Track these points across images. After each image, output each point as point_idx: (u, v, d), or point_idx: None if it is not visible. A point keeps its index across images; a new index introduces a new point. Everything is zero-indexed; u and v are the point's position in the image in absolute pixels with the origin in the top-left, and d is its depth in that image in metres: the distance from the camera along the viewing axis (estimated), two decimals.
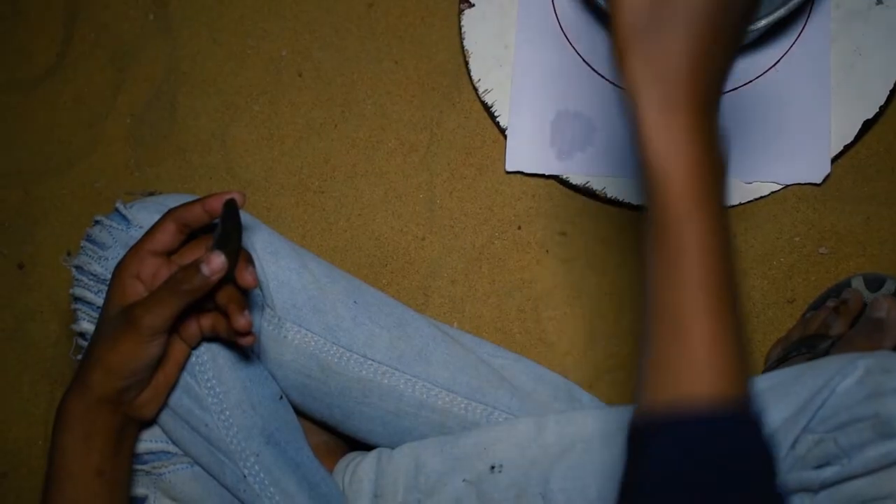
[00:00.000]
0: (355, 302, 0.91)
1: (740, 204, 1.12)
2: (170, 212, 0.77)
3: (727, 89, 1.07)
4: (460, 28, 1.22)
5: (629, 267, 1.14)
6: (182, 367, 0.81)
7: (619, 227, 1.16)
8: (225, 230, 0.74)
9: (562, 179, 1.16)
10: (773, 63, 1.13)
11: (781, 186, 1.12)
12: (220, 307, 0.77)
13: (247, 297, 0.80)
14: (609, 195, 1.14)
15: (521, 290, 1.16)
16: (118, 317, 0.74)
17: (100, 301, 0.83)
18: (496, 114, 1.19)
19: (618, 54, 0.55)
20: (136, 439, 0.80)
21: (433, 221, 1.20)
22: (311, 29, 1.28)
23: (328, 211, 1.23)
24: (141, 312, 0.73)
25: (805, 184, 1.11)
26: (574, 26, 1.19)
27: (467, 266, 1.18)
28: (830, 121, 1.11)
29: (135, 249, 0.77)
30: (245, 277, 0.75)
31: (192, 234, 0.80)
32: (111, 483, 0.76)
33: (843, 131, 1.11)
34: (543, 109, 1.17)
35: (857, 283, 1.05)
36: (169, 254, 0.78)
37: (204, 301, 0.77)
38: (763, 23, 1.03)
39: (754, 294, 1.11)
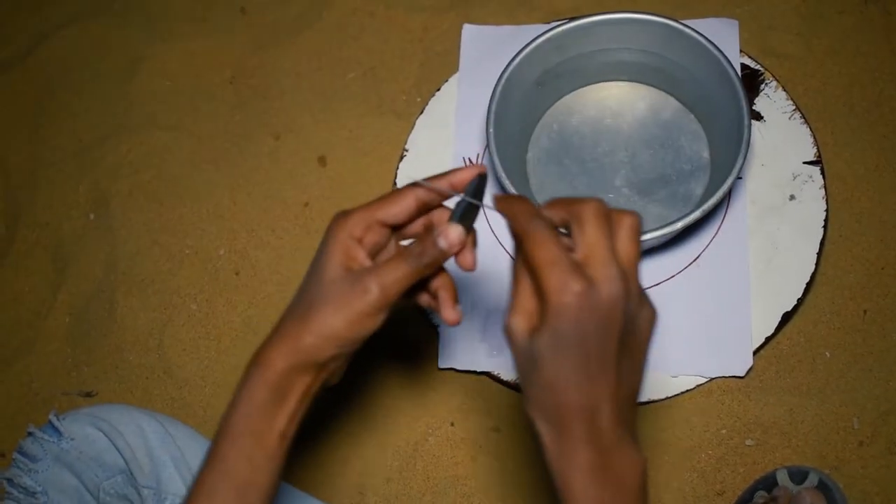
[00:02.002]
0: None
1: (667, 398, 1.13)
2: (412, 185, 0.72)
3: (648, 286, 1.13)
4: None
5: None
6: None
7: None
8: (467, 204, 0.71)
9: (493, 376, 1.17)
10: (693, 258, 1.16)
11: (706, 379, 1.13)
12: (430, 291, 0.76)
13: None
14: None
15: (456, 488, 1.14)
16: (344, 282, 0.70)
17: None
18: (429, 311, 1.22)
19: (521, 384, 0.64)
20: (309, 407, 0.76)
21: (367, 419, 1.19)
22: (248, 228, 1.30)
23: None
24: (376, 282, 0.69)
25: (729, 377, 1.13)
26: (504, 229, 1.21)
27: (402, 463, 1.16)
28: (751, 314, 1.13)
29: (363, 213, 0.72)
30: (466, 258, 0.72)
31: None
32: (285, 448, 0.73)
33: (763, 324, 1.13)
34: (475, 308, 1.19)
35: (782, 476, 1.07)
36: (395, 228, 0.75)
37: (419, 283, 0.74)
38: (680, 224, 1.05)
39: (684, 487, 1.11)
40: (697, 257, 1.17)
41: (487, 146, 1.14)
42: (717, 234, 1.17)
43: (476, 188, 0.71)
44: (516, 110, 1.18)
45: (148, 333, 1.27)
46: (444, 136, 1.28)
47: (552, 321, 0.60)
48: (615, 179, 1.20)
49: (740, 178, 1.16)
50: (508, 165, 1.14)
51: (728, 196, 1.15)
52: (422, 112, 1.31)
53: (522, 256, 0.63)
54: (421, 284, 0.75)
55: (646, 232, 1.06)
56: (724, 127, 1.14)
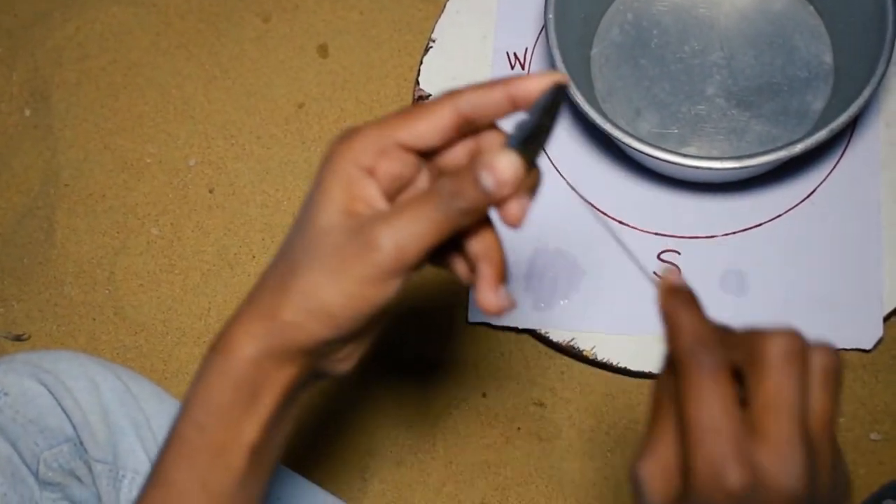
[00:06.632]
0: (278, 498, 0.88)
1: None
2: (451, 94, 0.59)
3: (746, 226, 1.08)
4: None
5: (624, 450, 1.09)
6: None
7: (612, 398, 1.10)
8: (534, 126, 0.57)
9: (539, 335, 1.10)
10: (806, 194, 1.09)
11: None
12: (469, 256, 0.62)
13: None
14: (599, 357, 1.08)
15: (486, 477, 1.09)
16: (343, 232, 0.57)
17: None
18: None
19: None
20: (298, 404, 0.65)
21: (374, 384, 1.15)
22: (226, 134, 1.24)
23: None
24: (387, 237, 0.56)
25: (851, 349, 1.07)
26: (557, 143, 1.13)
27: (417, 443, 1.11)
28: (883, 268, 1.07)
29: (375, 130, 0.59)
30: (511, 210, 0.57)
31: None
32: (260, 466, 0.63)
33: None
34: (517, 246, 1.12)
35: None
36: (425, 155, 0.61)
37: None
38: (799, 147, 0.97)
39: None
40: (812, 192, 1.09)
41: (546, 37, 1.05)
42: (838, 162, 1.09)
43: (548, 105, 0.57)
44: None
45: (96, 263, 1.21)
46: (483, 24, 1.19)
47: None
48: (707, 87, 1.11)
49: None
50: (568, 65, 1.05)
51: (857, 115, 1.05)
52: None
53: (674, 390, 0.53)
54: (454, 244, 0.61)
55: (750, 156, 0.98)
56: (854, 22, 1.06)
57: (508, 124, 0.59)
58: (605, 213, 1.09)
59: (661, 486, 0.52)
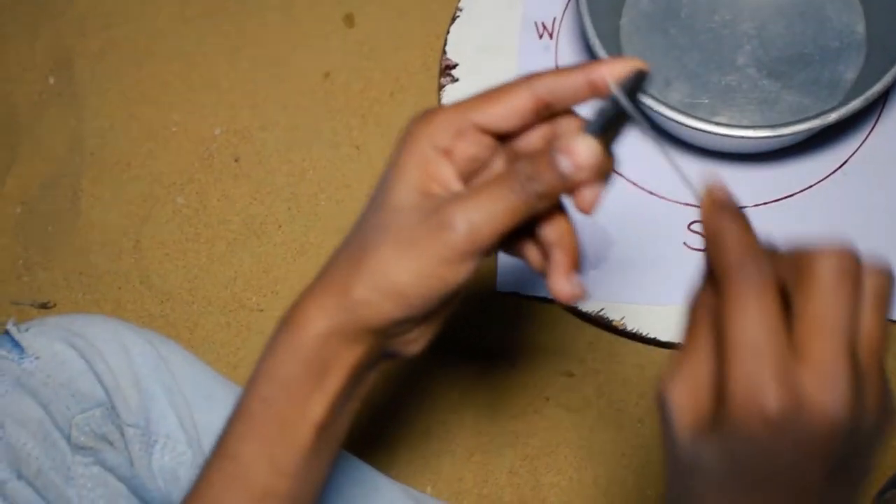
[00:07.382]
0: None
1: None
2: (529, 78, 0.58)
3: (776, 197, 1.07)
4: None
5: (654, 421, 1.06)
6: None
7: (641, 369, 1.07)
8: (612, 113, 0.56)
9: (568, 305, 1.08)
10: (839, 164, 1.06)
11: None
12: (542, 242, 0.61)
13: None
14: (629, 327, 1.06)
15: (515, 447, 1.08)
16: (416, 211, 0.57)
17: None
18: None
19: None
20: (368, 385, 0.65)
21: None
22: (251, 103, 1.24)
23: (268, 335, 1.10)
24: (461, 217, 0.56)
25: None
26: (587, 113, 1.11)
27: (445, 415, 1.10)
28: None
29: (452, 112, 0.58)
30: (585, 197, 0.57)
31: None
32: (326, 444, 0.63)
33: None
34: None
35: None
36: (501, 139, 0.60)
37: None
38: (833, 116, 0.95)
39: None
40: (845, 162, 1.06)
41: (576, 6, 1.03)
42: (870, 133, 1.07)
43: (627, 92, 0.56)
44: None
45: (121, 232, 1.21)
46: None
47: (728, 434, 0.48)
48: (737, 57, 1.09)
49: None
50: (598, 35, 1.03)
51: (891, 84, 1.02)
52: None
53: (713, 305, 0.50)
54: (527, 229, 0.61)
55: (785, 125, 0.96)
56: None
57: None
58: (634, 184, 1.07)
59: (691, 411, 0.49)
